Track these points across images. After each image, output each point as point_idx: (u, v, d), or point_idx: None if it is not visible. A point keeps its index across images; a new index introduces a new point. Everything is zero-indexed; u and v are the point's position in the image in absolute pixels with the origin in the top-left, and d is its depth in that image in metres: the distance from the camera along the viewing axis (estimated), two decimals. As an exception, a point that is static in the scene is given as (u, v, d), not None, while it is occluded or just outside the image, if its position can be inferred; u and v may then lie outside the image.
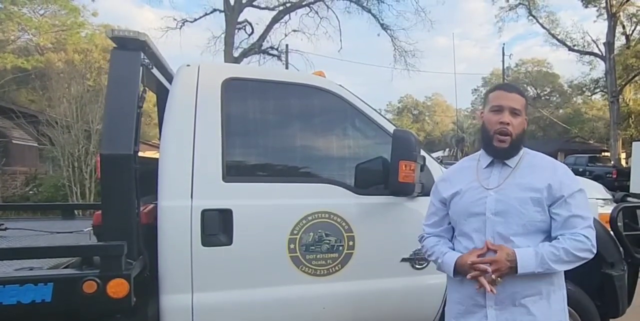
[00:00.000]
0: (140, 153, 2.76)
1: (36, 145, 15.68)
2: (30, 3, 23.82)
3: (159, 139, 2.88)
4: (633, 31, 28.03)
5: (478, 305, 2.06)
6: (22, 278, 2.31)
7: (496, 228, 2.03)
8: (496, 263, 1.94)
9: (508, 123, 2.05)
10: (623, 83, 27.93)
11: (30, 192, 12.36)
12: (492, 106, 2.09)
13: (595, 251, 2.03)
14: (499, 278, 1.95)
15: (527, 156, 2.15)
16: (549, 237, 2.05)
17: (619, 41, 28.33)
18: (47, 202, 10.52)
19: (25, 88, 23.39)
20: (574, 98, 44.71)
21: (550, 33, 30.47)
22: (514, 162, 2.12)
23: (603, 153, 30.41)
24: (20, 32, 24.81)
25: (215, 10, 22.54)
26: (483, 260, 1.97)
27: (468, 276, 1.99)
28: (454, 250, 2.17)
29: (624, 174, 20.54)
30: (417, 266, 3.07)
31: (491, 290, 1.94)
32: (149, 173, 2.80)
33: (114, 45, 2.73)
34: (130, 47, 2.71)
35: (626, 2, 26.28)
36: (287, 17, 23.46)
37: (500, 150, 2.08)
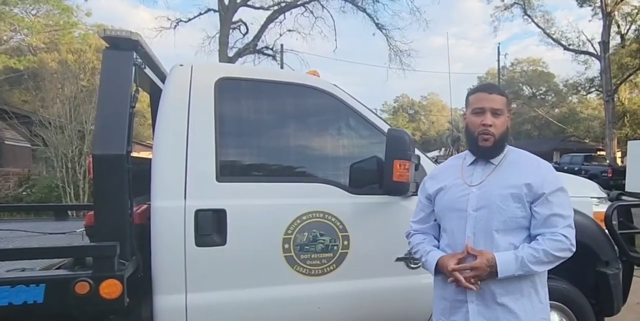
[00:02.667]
0: (136, 154, 2.74)
1: (29, 145, 15.65)
2: (22, 3, 23.68)
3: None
4: (628, 30, 28.03)
5: (461, 301, 2.09)
6: (13, 280, 2.30)
7: (477, 224, 2.06)
8: (476, 270, 1.97)
9: (490, 125, 2.07)
10: (618, 82, 28.00)
11: (24, 193, 12.30)
12: (474, 108, 2.12)
13: (574, 250, 2.04)
14: (478, 282, 1.99)
15: (511, 154, 2.17)
16: (526, 234, 2.07)
17: (614, 40, 28.35)
18: (40, 202, 10.46)
19: (18, 88, 23.31)
20: (570, 98, 44.81)
21: (545, 32, 30.55)
22: (497, 159, 2.14)
23: (598, 152, 30.46)
24: (13, 32, 24.69)
25: (209, 10, 22.49)
26: (464, 267, 2.00)
27: (449, 280, 2.04)
28: (439, 246, 2.21)
29: (620, 173, 20.61)
30: (411, 265, 3.06)
31: (475, 289, 1.99)
32: (142, 173, 2.79)
33: (107, 45, 2.71)
34: (122, 46, 2.70)
35: (621, 1, 26.30)
36: (282, 16, 23.42)
37: (484, 149, 2.11)
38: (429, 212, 2.29)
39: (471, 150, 2.19)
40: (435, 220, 2.27)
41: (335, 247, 2.92)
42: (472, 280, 1.97)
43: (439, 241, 2.25)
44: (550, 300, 2.20)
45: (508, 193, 2.03)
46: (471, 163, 2.18)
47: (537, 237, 2.03)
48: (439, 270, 2.10)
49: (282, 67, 22.70)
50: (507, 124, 2.16)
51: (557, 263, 2.04)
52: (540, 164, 2.15)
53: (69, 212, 5.37)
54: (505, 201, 2.03)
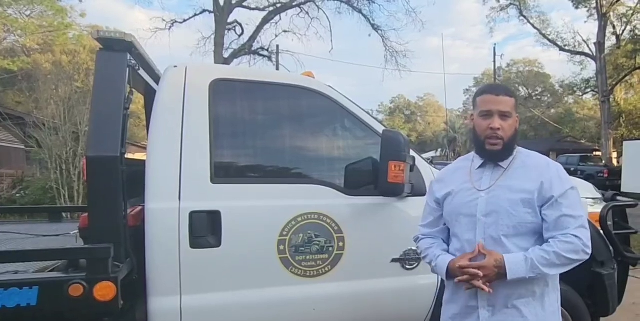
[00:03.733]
0: (131, 155, 2.73)
1: (23, 147, 15.58)
2: (16, 4, 23.63)
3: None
4: (623, 31, 28.11)
5: (472, 307, 2.05)
6: (6, 282, 2.28)
7: (487, 229, 2.02)
8: (484, 269, 1.92)
9: (499, 129, 2.02)
10: (614, 83, 28.10)
11: (17, 195, 12.24)
12: (481, 111, 2.06)
13: (589, 252, 1.97)
14: (487, 284, 1.92)
15: (520, 156, 2.12)
16: (541, 238, 2.01)
17: (610, 41, 28.49)
18: (34, 204, 10.38)
19: (12, 90, 23.25)
20: (566, 98, 45.02)
21: (541, 33, 30.59)
22: (506, 162, 2.09)
23: (594, 153, 30.54)
24: (6, 33, 24.63)
25: (204, 10, 22.46)
26: (471, 265, 1.95)
27: (456, 280, 1.99)
28: (448, 250, 2.17)
29: (615, 173, 20.63)
30: (407, 266, 3.06)
31: (486, 289, 1.92)
32: (136, 175, 2.78)
33: (100, 46, 2.70)
34: (116, 48, 2.70)
35: (616, 2, 26.43)
36: (277, 17, 23.41)
37: (493, 152, 2.06)
38: (437, 216, 2.24)
39: (479, 153, 2.14)
40: (445, 224, 2.23)
41: (331, 248, 2.92)
42: (480, 282, 1.92)
43: (448, 245, 2.21)
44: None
45: (518, 199, 1.99)
46: (480, 167, 2.13)
47: (549, 240, 1.96)
48: (451, 274, 2.04)
49: (277, 68, 22.70)
50: (516, 126, 2.10)
51: (573, 266, 1.97)
52: (549, 165, 2.09)
53: (63, 214, 5.34)
54: (514, 206, 1.99)
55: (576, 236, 1.94)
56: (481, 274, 1.91)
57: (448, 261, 2.06)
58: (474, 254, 1.99)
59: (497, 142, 2.03)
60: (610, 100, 27.91)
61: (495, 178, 2.08)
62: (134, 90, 2.89)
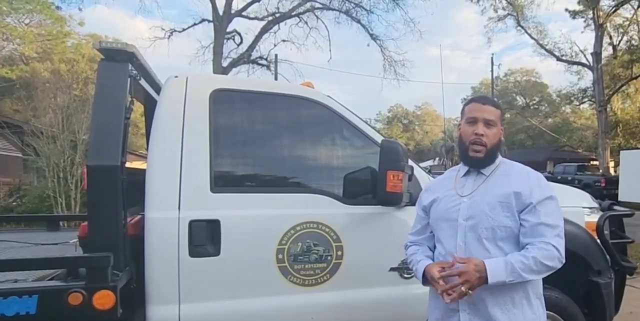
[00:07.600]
0: (128, 164, 2.75)
1: (20, 155, 15.56)
2: (15, 12, 23.69)
3: (147, 149, 2.87)
4: (620, 41, 28.21)
5: (453, 310, 2.09)
6: (5, 291, 2.29)
7: (467, 233, 2.07)
8: (465, 275, 1.93)
9: (482, 135, 2.10)
10: (610, 92, 28.14)
11: (14, 203, 12.18)
12: (467, 118, 2.16)
13: (563, 261, 2.02)
14: (469, 291, 1.93)
15: (503, 165, 2.20)
16: (518, 243, 2.06)
17: (606, 51, 28.54)
18: (31, 213, 10.32)
19: (10, 98, 23.24)
20: (563, 108, 45.12)
21: (538, 43, 30.64)
22: (489, 170, 2.17)
23: (592, 162, 30.58)
24: (5, 42, 24.65)
25: (203, 20, 22.50)
26: (451, 273, 1.98)
27: (438, 291, 2.01)
28: (434, 256, 2.22)
29: (613, 183, 20.64)
30: (405, 275, 3.07)
31: (466, 294, 1.93)
32: (136, 184, 2.79)
33: (102, 56, 2.72)
34: (117, 58, 2.72)
35: (612, 13, 26.61)
36: (276, 27, 23.44)
37: (475, 159, 2.14)
38: (425, 224, 2.31)
39: (463, 160, 2.23)
40: (431, 231, 2.29)
41: (329, 257, 2.93)
42: (462, 288, 1.93)
43: (434, 252, 2.26)
44: (543, 309, 2.20)
45: (496, 202, 2.06)
46: (464, 175, 2.21)
47: (527, 246, 2.01)
48: (427, 279, 2.10)
49: (276, 77, 22.74)
50: (500, 136, 2.18)
51: (548, 273, 2.03)
52: (529, 174, 2.16)
53: (61, 223, 5.33)
54: (493, 210, 2.05)
55: (552, 245, 1.99)
56: (459, 281, 1.93)
57: (425, 266, 2.12)
58: (451, 263, 2.03)
59: (480, 148, 2.11)
60: (607, 109, 27.97)
61: (478, 184, 2.15)
62: (134, 99, 2.90)
